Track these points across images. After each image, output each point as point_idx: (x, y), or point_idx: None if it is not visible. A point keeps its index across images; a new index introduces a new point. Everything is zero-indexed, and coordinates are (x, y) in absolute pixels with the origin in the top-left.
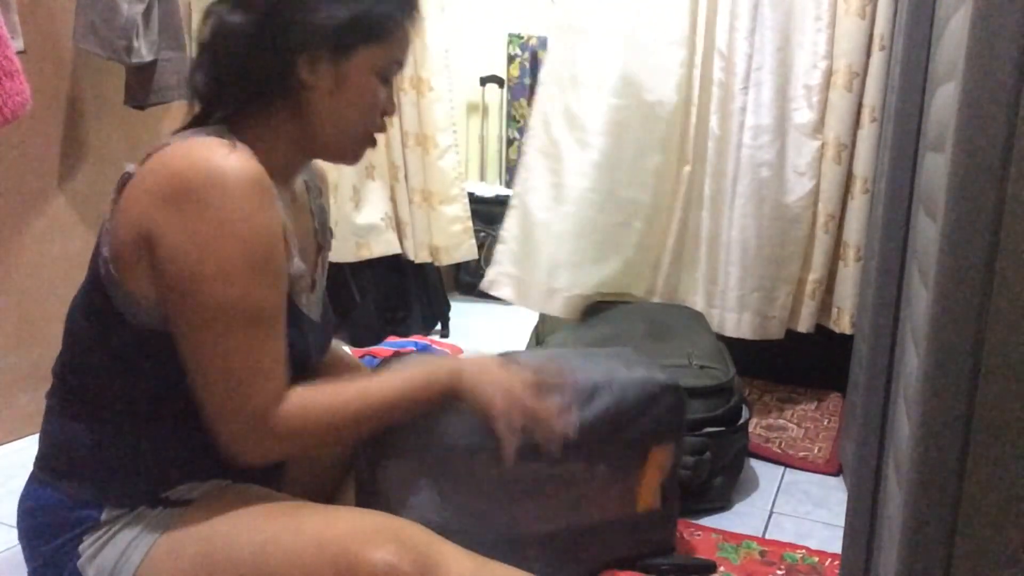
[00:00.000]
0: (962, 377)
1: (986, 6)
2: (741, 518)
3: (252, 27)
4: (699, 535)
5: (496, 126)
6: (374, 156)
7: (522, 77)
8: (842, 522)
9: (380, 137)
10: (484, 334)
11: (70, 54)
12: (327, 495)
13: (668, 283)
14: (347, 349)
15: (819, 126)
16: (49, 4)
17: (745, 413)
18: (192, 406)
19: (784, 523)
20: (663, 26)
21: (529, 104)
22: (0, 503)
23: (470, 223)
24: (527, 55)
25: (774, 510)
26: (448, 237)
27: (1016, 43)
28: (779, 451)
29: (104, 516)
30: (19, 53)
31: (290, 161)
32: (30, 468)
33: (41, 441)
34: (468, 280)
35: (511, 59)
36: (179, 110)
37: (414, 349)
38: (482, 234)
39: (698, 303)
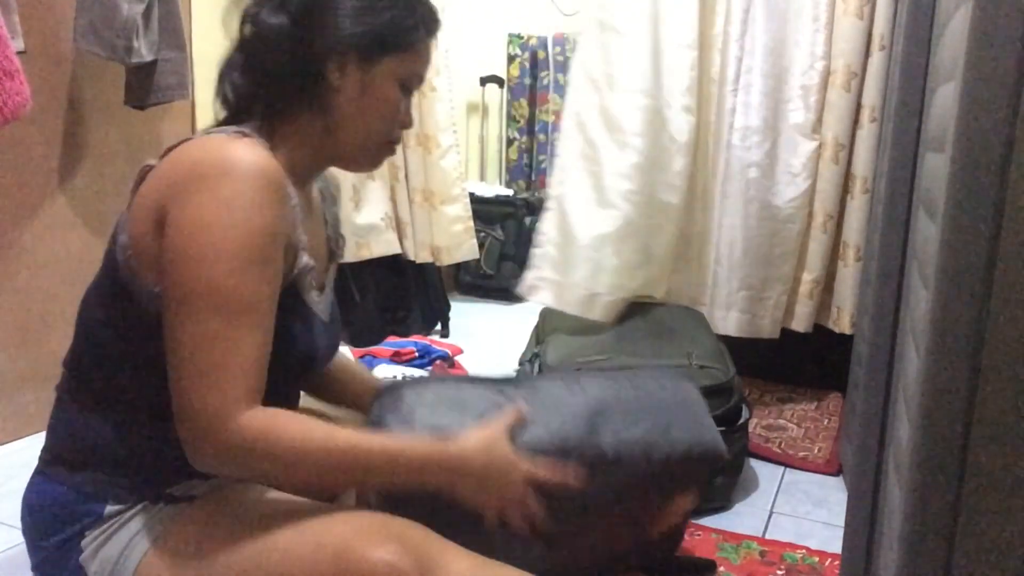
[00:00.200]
0: (962, 377)
1: (986, 6)
2: (741, 518)
3: (289, 29)
4: (699, 535)
5: (496, 126)
6: None
7: (522, 77)
8: (842, 522)
9: None
10: (484, 334)
11: (70, 54)
12: (328, 494)
13: (674, 283)
14: (349, 353)
15: (816, 126)
16: (49, 4)
17: (745, 413)
18: None
19: (784, 523)
20: (676, 27)
21: (529, 104)
22: (0, 503)
23: (471, 223)
24: (527, 55)
25: (774, 510)
26: (450, 237)
27: (1016, 43)
28: (779, 451)
29: (107, 511)
30: (19, 53)
31: (310, 165)
32: (30, 468)
33: (49, 433)
34: (468, 280)
35: (511, 59)
36: (179, 110)
37: (414, 349)
38: (482, 234)
39: (694, 301)
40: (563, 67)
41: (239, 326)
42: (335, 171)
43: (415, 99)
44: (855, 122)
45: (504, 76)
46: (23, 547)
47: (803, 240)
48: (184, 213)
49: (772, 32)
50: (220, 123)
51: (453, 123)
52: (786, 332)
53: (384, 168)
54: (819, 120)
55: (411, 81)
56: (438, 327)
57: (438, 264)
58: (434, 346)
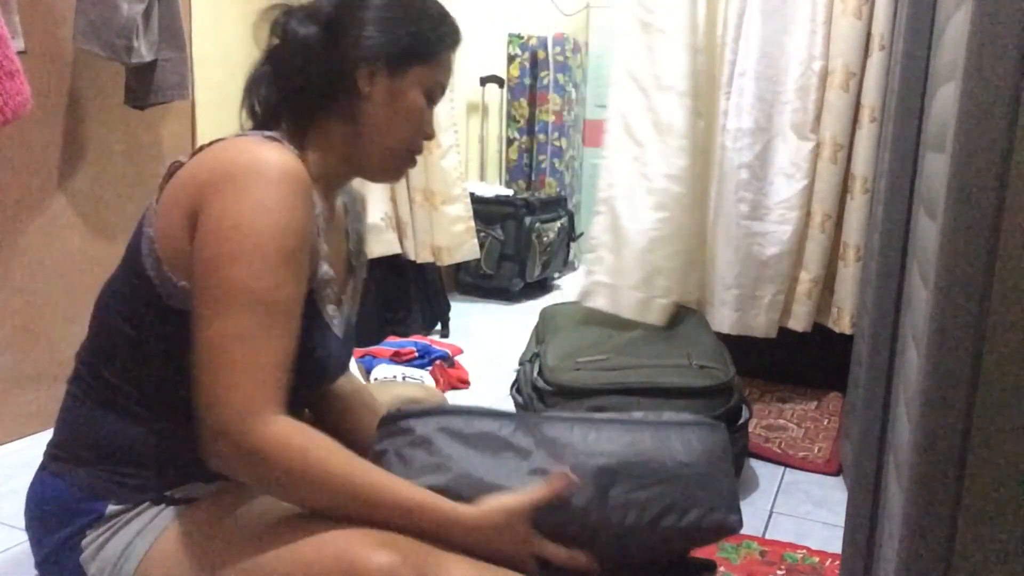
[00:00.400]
0: (962, 377)
1: (986, 6)
2: None
3: (319, 38)
4: None
5: (496, 126)
6: None
7: (522, 77)
8: (842, 522)
9: None
10: (484, 334)
11: (70, 54)
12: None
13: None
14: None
15: (814, 126)
16: (49, 4)
17: (745, 413)
18: None
19: (784, 523)
20: (688, 32)
21: (529, 104)
22: (0, 503)
23: (472, 223)
24: (527, 55)
25: (774, 510)
26: (450, 237)
27: (1016, 43)
28: (779, 451)
29: (108, 511)
30: (19, 53)
31: (336, 175)
32: (30, 468)
33: (57, 428)
34: (468, 280)
35: (511, 59)
36: (179, 110)
37: (414, 349)
38: (482, 234)
39: (700, 303)
40: (563, 67)
41: (271, 327)
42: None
43: None
44: (854, 122)
45: (504, 76)
46: (23, 547)
47: (800, 240)
48: (218, 212)
49: (766, 34)
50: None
51: (454, 123)
52: (786, 332)
53: None
54: (816, 120)
55: (435, 91)
56: (438, 327)
57: (439, 264)
58: (434, 346)
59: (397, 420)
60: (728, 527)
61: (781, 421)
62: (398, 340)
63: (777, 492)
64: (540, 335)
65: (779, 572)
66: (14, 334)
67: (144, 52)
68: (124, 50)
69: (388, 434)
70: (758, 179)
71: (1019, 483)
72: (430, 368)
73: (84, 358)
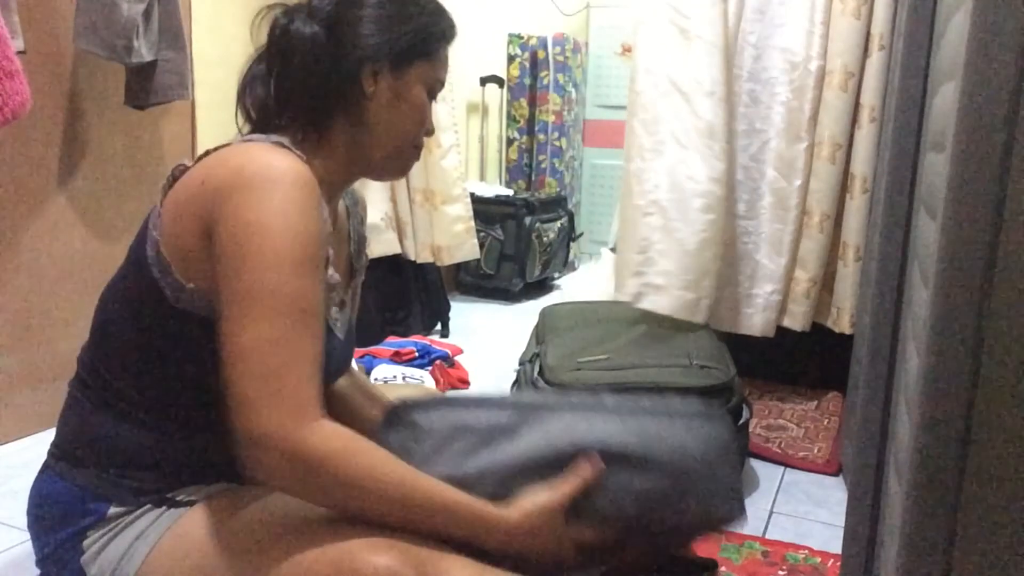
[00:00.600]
0: (962, 377)
1: (986, 6)
2: None
3: (322, 38)
4: None
5: (496, 126)
6: None
7: (522, 77)
8: (842, 522)
9: None
10: (484, 334)
11: (70, 54)
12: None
13: None
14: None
15: (809, 126)
16: (49, 4)
17: (745, 413)
18: (207, 408)
19: (784, 523)
20: (722, 36)
21: (529, 104)
22: (0, 503)
23: (472, 223)
24: (527, 55)
25: (774, 510)
26: (451, 237)
27: (1016, 43)
28: (779, 451)
29: (110, 512)
30: (19, 53)
31: (341, 177)
32: (30, 468)
33: (59, 429)
34: (468, 280)
35: (511, 59)
36: (179, 110)
37: (414, 349)
38: (482, 234)
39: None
40: (563, 67)
41: (303, 329)
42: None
43: None
44: (853, 122)
45: (504, 76)
46: (23, 547)
47: (796, 239)
48: (239, 218)
49: (763, 35)
50: (251, 130)
51: (454, 123)
52: (786, 332)
53: None
54: (812, 120)
55: (435, 87)
56: (438, 327)
57: (439, 264)
58: (434, 346)
59: (402, 413)
60: (730, 518)
61: (781, 421)
62: (398, 340)
63: (777, 492)
64: (540, 335)
65: (781, 572)
66: (14, 334)
67: (144, 52)
68: (124, 50)
69: (392, 428)
70: (753, 179)
71: (1019, 483)
72: (430, 368)
73: (85, 360)
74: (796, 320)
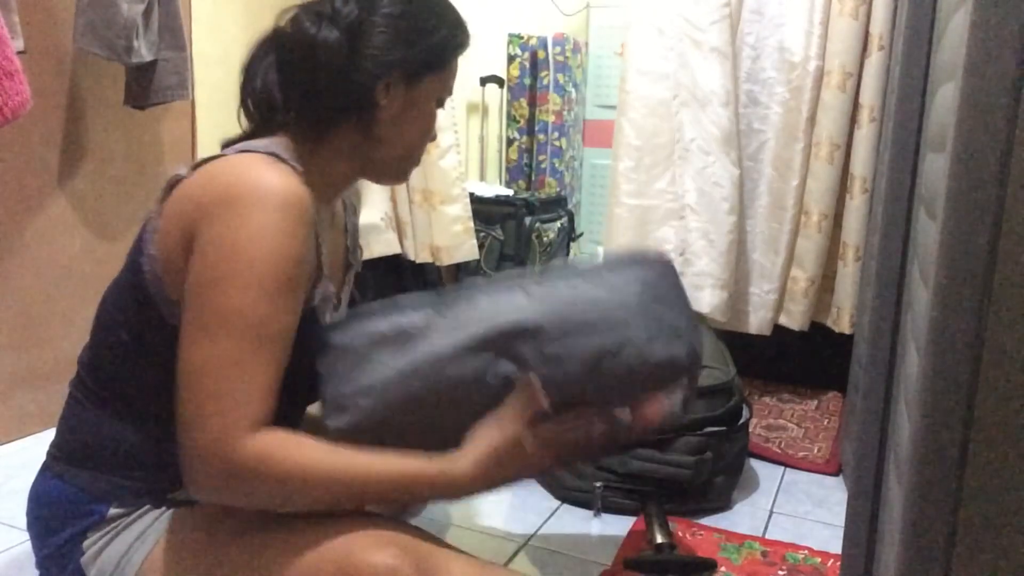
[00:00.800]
0: (962, 377)
1: (986, 6)
2: (741, 518)
3: (340, 46)
4: (701, 535)
5: (496, 126)
6: None
7: (522, 77)
8: (842, 522)
9: None
10: None
11: (70, 54)
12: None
13: None
14: None
15: (807, 127)
16: (49, 4)
17: (745, 413)
18: None
19: (784, 523)
20: (730, 46)
21: (529, 104)
22: (0, 503)
23: (471, 223)
24: (527, 55)
25: (774, 510)
26: (449, 237)
27: (1016, 43)
28: (779, 451)
29: (110, 513)
30: (19, 53)
31: (341, 180)
32: (30, 468)
33: (59, 429)
34: (468, 280)
35: (511, 59)
36: (179, 110)
37: None
38: (482, 234)
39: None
40: (563, 67)
41: (261, 354)
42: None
43: None
44: (853, 122)
45: (504, 76)
46: (23, 547)
47: (792, 239)
48: (216, 237)
49: (761, 35)
50: (248, 133)
51: (454, 123)
52: (786, 332)
53: None
54: (810, 120)
55: (444, 97)
56: None
57: (438, 264)
58: None
59: (323, 339)
60: (676, 360)
61: (781, 421)
62: None
63: (777, 492)
64: None
65: (781, 572)
66: (14, 334)
67: (144, 52)
68: (124, 50)
69: (319, 356)
70: (751, 179)
71: (1019, 483)
72: None
73: (85, 362)
74: (795, 320)
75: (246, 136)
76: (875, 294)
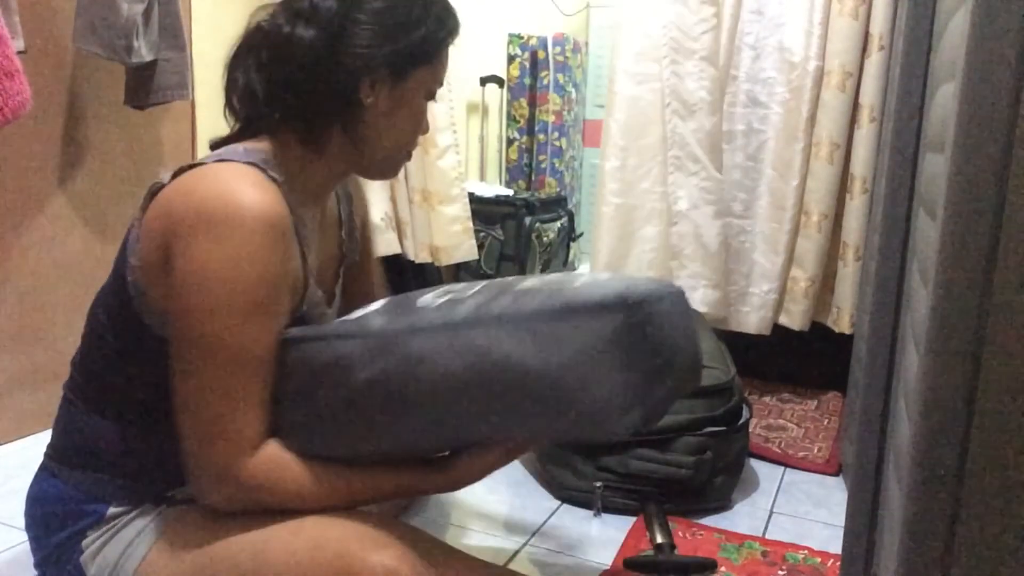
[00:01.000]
0: (962, 377)
1: (986, 6)
2: (741, 518)
3: (321, 46)
4: (701, 535)
5: (496, 126)
6: None
7: (522, 77)
8: (842, 522)
9: None
10: None
11: (70, 54)
12: None
13: None
14: None
15: (806, 127)
16: (49, 4)
17: (745, 413)
18: None
19: (784, 523)
20: (716, 53)
21: (529, 104)
22: (0, 503)
23: (470, 223)
24: (527, 55)
25: (774, 510)
26: (448, 237)
27: (1016, 43)
28: (779, 451)
29: (109, 512)
30: (19, 53)
31: (330, 178)
32: (30, 468)
33: (54, 431)
34: (468, 280)
35: (511, 59)
36: (179, 110)
37: None
38: (482, 234)
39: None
40: (563, 67)
41: (244, 377)
42: None
43: None
44: (853, 122)
45: (504, 76)
46: (23, 547)
47: (792, 239)
48: (189, 261)
49: (760, 36)
50: (235, 133)
51: (452, 123)
52: (786, 332)
53: None
54: (810, 120)
55: (435, 90)
56: None
57: (437, 264)
58: None
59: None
60: (626, 427)
61: (781, 421)
62: None
63: (777, 492)
64: None
65: (781, 572)
66: (14, 334)
67: (144, 52)
68: (124, 50)
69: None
70: (751, 178)
71: (1019, 483)
72: None
73: (77, 364)
74: (795, 319)
75: (233, 136)
76: (875, 294)
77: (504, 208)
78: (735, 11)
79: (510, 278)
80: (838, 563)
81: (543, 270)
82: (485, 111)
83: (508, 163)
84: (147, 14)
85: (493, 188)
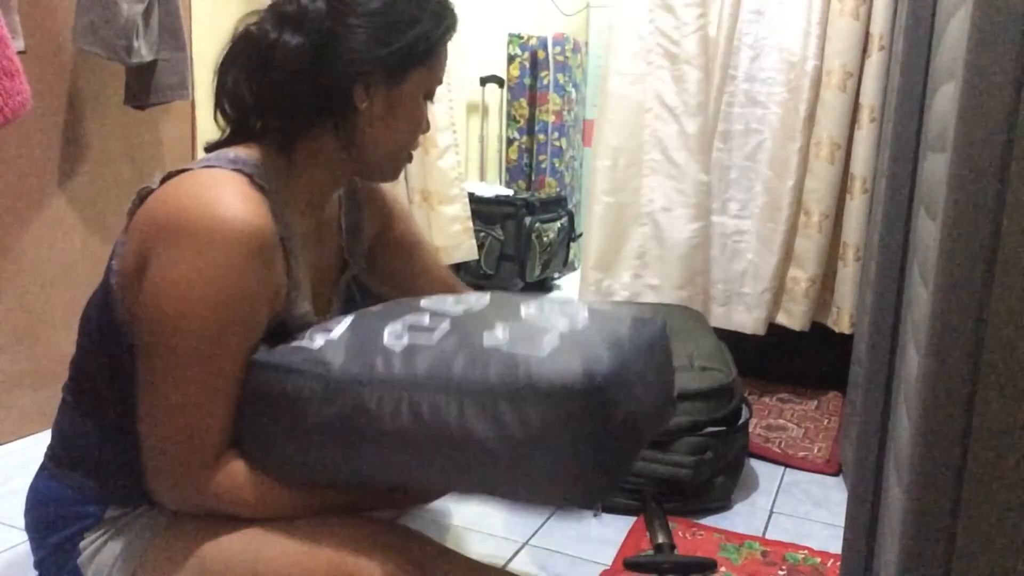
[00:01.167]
0: (962, 377)
1: (986, 6)
2: (741, 518)
3: (309, 53)
4: (701, 535)
5: (496, 126)
6: None
7: (522, 77)
8: (842, 522)
9: None
10: None
11: (70, 54)
12: None
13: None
14: None
15: (805, 127)
16: (49, 4)
17: (745, 413)
18: None
19: (784, 523)
20: (705, 57)
21: (529, 104)
22: (0, 503)
23: (470, 223)
24: (527, 55)
25: (774, 510)
26: (448, 237)
27: (1016, 43)
28: (779, 451)
29: (107, 514)
30: (19, 53)
31: (327, 185)
32: (30, 468)
33: (53, 432)
34: (468, 280)
35: (511, 59)
36: (179, 110)
37: None
38: (482, 234)
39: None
40: (563, 67)
41: (209, 393)
42: None
43: None
44: (853, 122)
45: (504, 76)
46: (23, 547)
47: (790, 239)
48: (162, 273)
49: (759, 36)
50: (228, 136)
51: (452, 123)
52: (786, 332)
53: None
54: (808, 120)
55: (433, 88)
56: None
57: None
58: None
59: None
60: (565, 501)
61: (781, 421)
62: None
63: (777, 492)
64: None
65: (780, 572)
66: (14, 334)
67: (144, 52)
68: (124, 50)
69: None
70: (748, 178)
71: (1019, 483)
72: None
73: (72, 367)
74: (795, 320)
75: (226, 140)
76: (875, 294)
77: (504, 208)
78: (734, 11)
79: (482, 308)
80: (838, 563)
81: (543, 270)
82: (485, 111)
83: (508, 163)
84: (147, 14)
85: (493, 188)
